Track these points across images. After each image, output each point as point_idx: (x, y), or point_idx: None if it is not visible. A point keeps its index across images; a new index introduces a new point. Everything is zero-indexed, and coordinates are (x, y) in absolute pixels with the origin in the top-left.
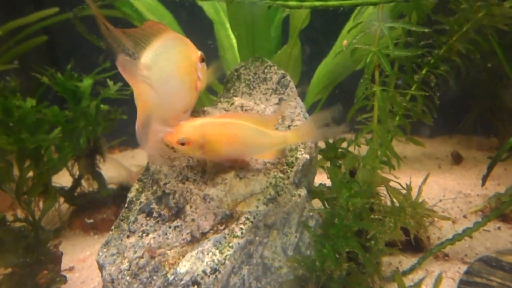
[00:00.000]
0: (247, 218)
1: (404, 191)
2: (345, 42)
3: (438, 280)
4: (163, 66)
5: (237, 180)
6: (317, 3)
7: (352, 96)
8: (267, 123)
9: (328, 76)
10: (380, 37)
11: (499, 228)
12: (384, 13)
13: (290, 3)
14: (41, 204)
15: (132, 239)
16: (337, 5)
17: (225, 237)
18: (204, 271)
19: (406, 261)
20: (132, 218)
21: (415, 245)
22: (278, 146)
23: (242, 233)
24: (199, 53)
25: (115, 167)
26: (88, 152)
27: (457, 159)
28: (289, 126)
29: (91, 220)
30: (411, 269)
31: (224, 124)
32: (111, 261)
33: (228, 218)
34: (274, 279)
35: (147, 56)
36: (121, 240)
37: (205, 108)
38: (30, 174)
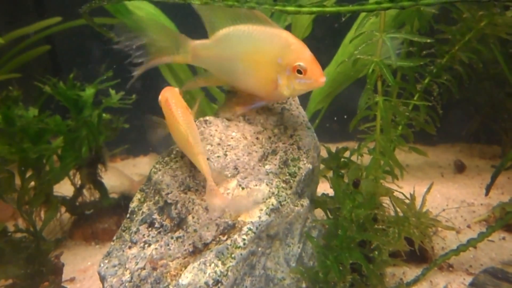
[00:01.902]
0: (250, 229)
1: (407, 201)
2: None
3: None
4: (228, 46)
5: (239, 190)
6: (314, 9)
7: (351, 105)
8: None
9: (330, 85)
10: (382, 47)
11: (503, 238)
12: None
13: (288, 8)
14: (42, 214)
15: (134, 250)
16: (334, 11)
17: (227, 248)
18: (206, 283)
19: (410, 272)
20: (134, 229)
21: (419, 255)
22: (198, 165)
23: (244, 244)
24: (296, 63)
25: (117, 176)
26: (89, 161)
27: (460, 168)
28: (291, 136)
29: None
30: (415, 281)
31: (168, 105)
32: (112, 273)
33: (230, 229)
34: None
35: (221, 31)
36: (123, 251)
37: (207, 118)
38: (32, 184)
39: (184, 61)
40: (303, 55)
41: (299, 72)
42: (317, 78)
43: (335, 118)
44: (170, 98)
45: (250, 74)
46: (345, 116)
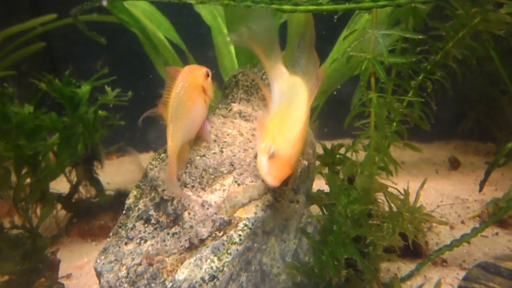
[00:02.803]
0: (246, 225)
1: (401, 197)
2: None
3: (437, 286)
4: (286, 89)
5: (235, 186)
6: (311, 7)
7: (347, 102)
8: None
9: (325, 82)
10: (375, 44)
11: (496, 233)
12: (380, 20)
13: (285, 7)
14: (38, 211)
15: (130, 246)
16: (331, 9)
17: (223, 244)
18: (202, 278)
19: (405, 267)
20: (130, 225)
21: (413, 250)
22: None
23: (240, 239)
24: (274, 146)
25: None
26: (85, 158)
27: (454, 165)
28: None
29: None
30: (410, 275)
31: (170, 76)
32: (109, 268)
33: (226, 225)
34: (273, 286)
35: (297, 77)
36: (119, 247)
37: None
38: (28, 180)
39: (268, 69)
40: (284, 149)
41: (268, 152)
42: (269, 174)
43: (331, 115)
44: (183, 72)
45: (269, 120)
46: (340, 113)
